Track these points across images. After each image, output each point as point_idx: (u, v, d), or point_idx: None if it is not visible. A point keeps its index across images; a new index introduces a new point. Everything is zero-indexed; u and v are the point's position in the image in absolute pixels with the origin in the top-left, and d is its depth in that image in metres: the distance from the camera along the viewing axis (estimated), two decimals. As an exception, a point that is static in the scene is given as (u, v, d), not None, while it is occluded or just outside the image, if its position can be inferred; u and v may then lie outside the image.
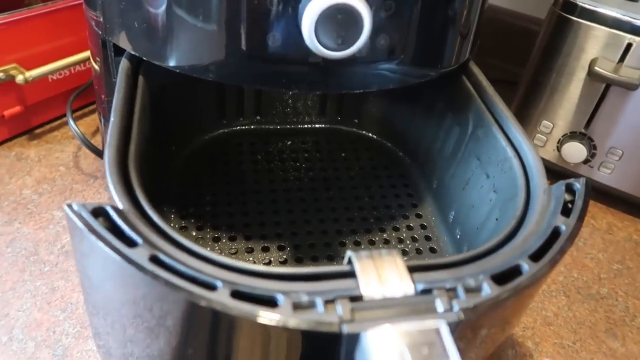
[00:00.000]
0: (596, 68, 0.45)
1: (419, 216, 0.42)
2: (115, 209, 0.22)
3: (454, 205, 0.39)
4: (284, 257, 0.37)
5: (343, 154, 0.48)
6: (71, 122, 0.45)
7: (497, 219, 0.32)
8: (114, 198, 0.22)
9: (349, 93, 0.47)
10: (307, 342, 0.20)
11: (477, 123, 0.36)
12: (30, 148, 0.51)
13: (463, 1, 0.31)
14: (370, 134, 0.51)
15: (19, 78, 0.47)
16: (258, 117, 0.50)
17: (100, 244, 0.20)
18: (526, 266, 0.22)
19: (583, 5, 0.46)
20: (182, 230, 0.39)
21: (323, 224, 0.41)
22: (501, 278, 0.21)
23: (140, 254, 0.20)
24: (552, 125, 0.50)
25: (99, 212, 0.21)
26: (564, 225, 0.24)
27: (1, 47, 0.47)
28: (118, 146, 0.26)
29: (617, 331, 0.39)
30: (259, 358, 0.21)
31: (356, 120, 0.51)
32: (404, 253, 0.39)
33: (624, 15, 0.44)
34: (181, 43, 0.29)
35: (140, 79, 0.32)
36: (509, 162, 0.31)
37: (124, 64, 0.32)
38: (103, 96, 0.39)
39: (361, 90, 0.29)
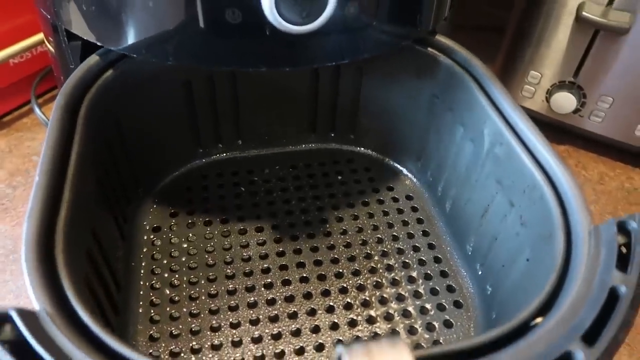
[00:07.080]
0: (584, 13, 0.42)
1: (431, 247, 0.38)
2: (26, 313, 0.16)
3: (472, 236, 0.36)
4: (276, 313, 0.33)
5: (339, 177, 0.43)
6: (36, 108, 0.43)
7: (528, 260, 0.28)
8: (30, 295, 0.17)
9: (341, 106, 0.42)
10: None
11: (494, 139, 0.32)
12: (-1, 138, 0.49)
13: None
14: (369, 151, 0.45)
15: (-23, 65, 0.45)
16: (239, 142, 0.44)
17: None
18: (580, 354, 0.16)
19: (568, -55, 0.43)
20: (153, 290, 0.34)
21: (319, 266, 0.36)
22: None
23: None
24: (540, 75, 0.48)
25: (2, 320, 0.15)
26: (623, 284, 0.18)
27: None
28: (41, 219, 0.20)
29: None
30: None
31: (352, 136, 0.45)
32: (416, 295, 0.34)
33: (612, -46, 0.41)
34: (135, 22, 0.27)
35: (80, 127, 0.28)
36: (538, 190, 0.27)
37: (58, 104, 0.28)
38: (63, 78, 0.37)
39: (333, 63, 0.27)
